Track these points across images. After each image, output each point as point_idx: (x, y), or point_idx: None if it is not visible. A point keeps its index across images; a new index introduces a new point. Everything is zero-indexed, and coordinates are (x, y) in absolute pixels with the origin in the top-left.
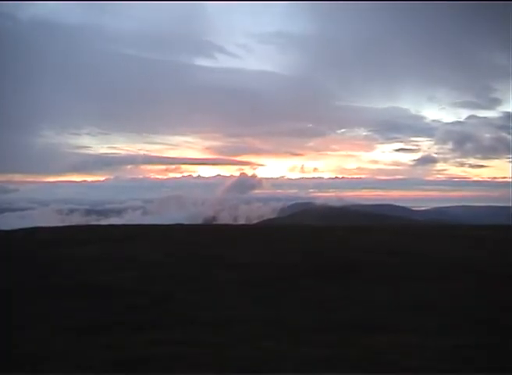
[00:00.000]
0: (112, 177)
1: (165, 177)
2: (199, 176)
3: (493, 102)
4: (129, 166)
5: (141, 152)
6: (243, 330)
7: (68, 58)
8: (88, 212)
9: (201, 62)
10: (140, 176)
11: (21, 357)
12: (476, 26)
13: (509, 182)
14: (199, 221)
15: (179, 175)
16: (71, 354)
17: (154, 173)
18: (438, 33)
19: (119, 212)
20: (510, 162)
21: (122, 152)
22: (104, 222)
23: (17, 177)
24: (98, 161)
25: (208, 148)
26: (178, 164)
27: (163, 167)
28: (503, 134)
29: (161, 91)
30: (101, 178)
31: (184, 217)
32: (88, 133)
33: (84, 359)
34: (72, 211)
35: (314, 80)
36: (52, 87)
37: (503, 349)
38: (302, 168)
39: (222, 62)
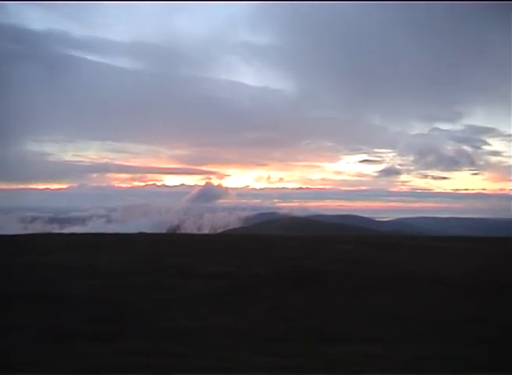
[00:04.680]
0: (75, 185)
1: (130, 186)
2: (164, 185)
3: (456, 115)
4: (93, 174)
5: (106, 160)
6: (206, 340)
7: (31, 63)
8: (51, 220)
9: (166, 70)
10: (104, 185)
11: None
12: (439, 41)
13: (470, 194)
14: (163, 230)
15: (143, 184)
16: (32, 364)
17: (119, 181)
18: (402, 46)
19: (82, 221)
20: (472, 174)
21: (87, 160)
22: (67, 230)
23: None
24: (62, 168)
25: (173, 157)
26: (143, 173)
27: (127, 176)
28: (465, 147)
29: (126, 100)
30: (65, 186)
31: (148, 226)
32: (52, 141)
33: (47, 370)
34: (35, 219)
35: (279, 90)
36: (15, 93)
37: (463, 358)
38: (267, 178)
39: (188, 71)
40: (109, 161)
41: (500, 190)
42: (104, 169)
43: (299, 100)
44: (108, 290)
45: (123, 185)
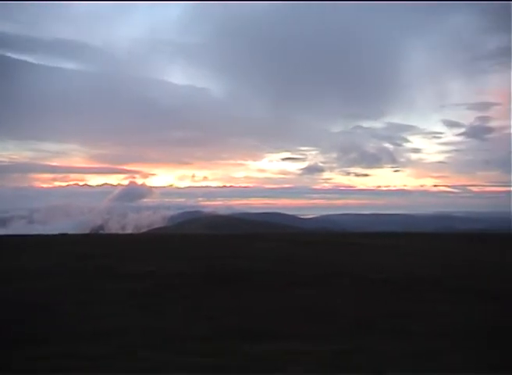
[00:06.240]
0: None
1: (51, 186)
2: (86, 184)
3: (378, 113)
4: (13, 175)
5: (27, 160)
6: (128, 340)
7: None
8: None
9: (89, 68)
10: (26, 185)
11: None
12: (363, 38)
13: (392, 190)
14: (86, 230)
15: (65, 184)
16: None
17: (40, 181)
18: (326, 47)
19: (3, 222)
20: (393, 171)
21: (6, 160)
22: None
23: None
24: None
25: (96, 157)
26: (65, 173)
27: (50, 175)
28: (387, 144)
29: (46, 97)
30: None
31: (71, 227)
32: None
33: None
34: None
35: (203, 89)
36: None
37: (385, 351)
38: (191, 177)
39: (111, 68)
40: (31, 160)
41: (421, 186)
42: (25, 168)
43: (224, 99)
44: (30, 292)
45: (45, 185)
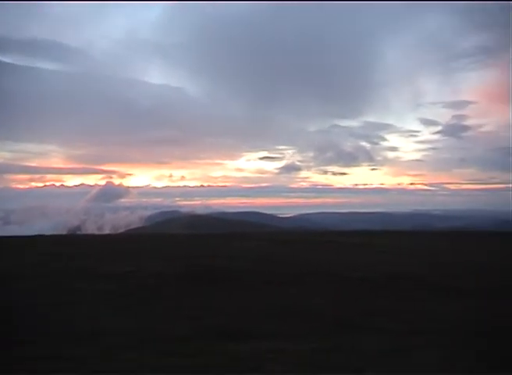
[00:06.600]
0: None
1: (28, 187)
2: (63, 185)
3: (355, 112)
4: None
5: (2, 161)
6: (107, 341)
7: None
8: None
9: (66, 68)
10: (2, 186)
11: None
12: (340, 38)
13: (369, 189)
14: (64, 231)
15: (42, 184)
16: None
17: (17, 182)
18: (303, 44)
19: None
20: (370, 169)
21: None
22: None
23: None
24: None
25: (73, 157)
26: (42, 173)
27: (26, 176)
28: (364, 143)
29: (24, 98)
30: None
31: (48, 227)
32: None
33: None
34: None
35: (180, 88)
36: None
37: (362, 350)
38: (169, 177)
39: (88, 68)
40: (7, 161)
41: (398, 184)
42: (1, 169)
43: (201, 99)
44: (7, 293)
45: (22, 186)
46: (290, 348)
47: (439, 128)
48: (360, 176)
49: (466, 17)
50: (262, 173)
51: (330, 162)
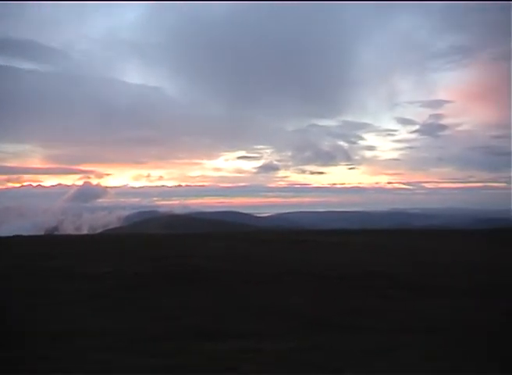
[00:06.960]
0: None
1: (5, 187)
2: (40, 185)
3: (332, 112)
4: None
5: None
6: (83, 342)
7: None
8: None
9: (43, 68)
10: None
11: None
12: (317, 38)
13: (347, 188)
14: (41, 231)
15: (19, 185)
16: None
17: None
18: (281, 44)
19: None
20: (348, 168)
21: None
22: None
23: None
24: None
25: (49, 157)
26: (18, 173)
27: (3, 177)
28: (342, 142)
29: (2, 98)
30: None
31: (25, 228)
32: None
33: None
34: None
35: (158, 88)
36: None
37: (338, 350)
38: (146, 176)
39: (66, 67)
40: None
41: (376, 183)
42: None
43: (179, 98)
44: None
45: None
46: (268, 348)
47: (416, 127)
48: (337, 175)
49: (441, 17)
50: (240, 173)
51: (308, 161)
